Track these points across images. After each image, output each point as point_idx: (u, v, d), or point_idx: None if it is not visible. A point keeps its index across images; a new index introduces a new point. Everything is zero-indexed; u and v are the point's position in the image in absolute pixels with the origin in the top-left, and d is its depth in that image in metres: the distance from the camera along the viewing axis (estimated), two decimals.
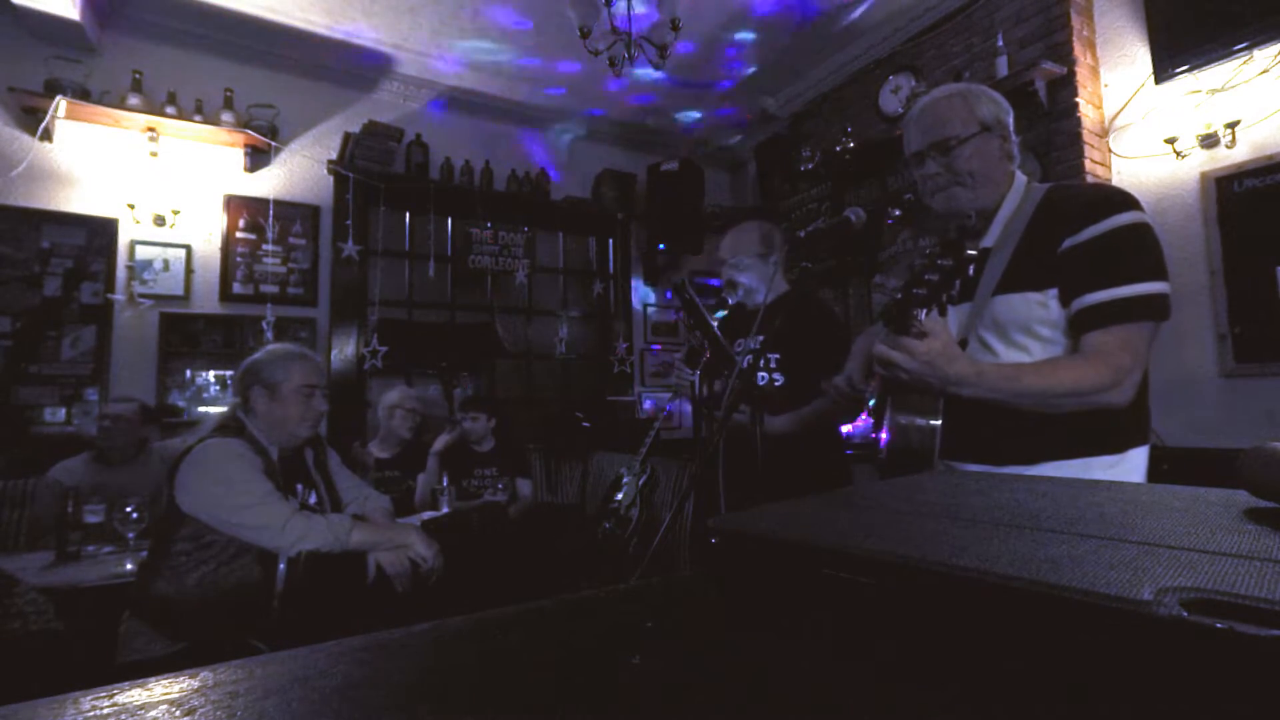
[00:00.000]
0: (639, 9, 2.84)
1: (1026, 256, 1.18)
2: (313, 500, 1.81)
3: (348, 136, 3.83)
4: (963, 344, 1.20)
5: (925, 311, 0.99)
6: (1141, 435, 1.19)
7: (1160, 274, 1.10)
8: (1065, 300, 1.14)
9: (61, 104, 3.06)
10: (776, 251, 2.08)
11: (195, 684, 0.34)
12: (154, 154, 3.34)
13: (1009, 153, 1.27)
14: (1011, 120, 1.28)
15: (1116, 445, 1.16)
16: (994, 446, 1.20)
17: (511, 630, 0.43)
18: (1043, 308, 1.16)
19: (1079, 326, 1.13)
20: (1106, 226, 1.11)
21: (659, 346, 5.01)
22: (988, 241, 1.24)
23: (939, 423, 1.13)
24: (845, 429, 2.17)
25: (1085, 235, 1.12)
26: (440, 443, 3.15)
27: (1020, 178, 1.28)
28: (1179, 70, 2.72)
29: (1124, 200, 1.14)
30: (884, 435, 1.19)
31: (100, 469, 2.69)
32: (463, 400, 3.45)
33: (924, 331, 1.01)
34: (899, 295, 1.02)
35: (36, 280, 3.14)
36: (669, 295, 4.95)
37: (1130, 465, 1.16)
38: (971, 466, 1.22)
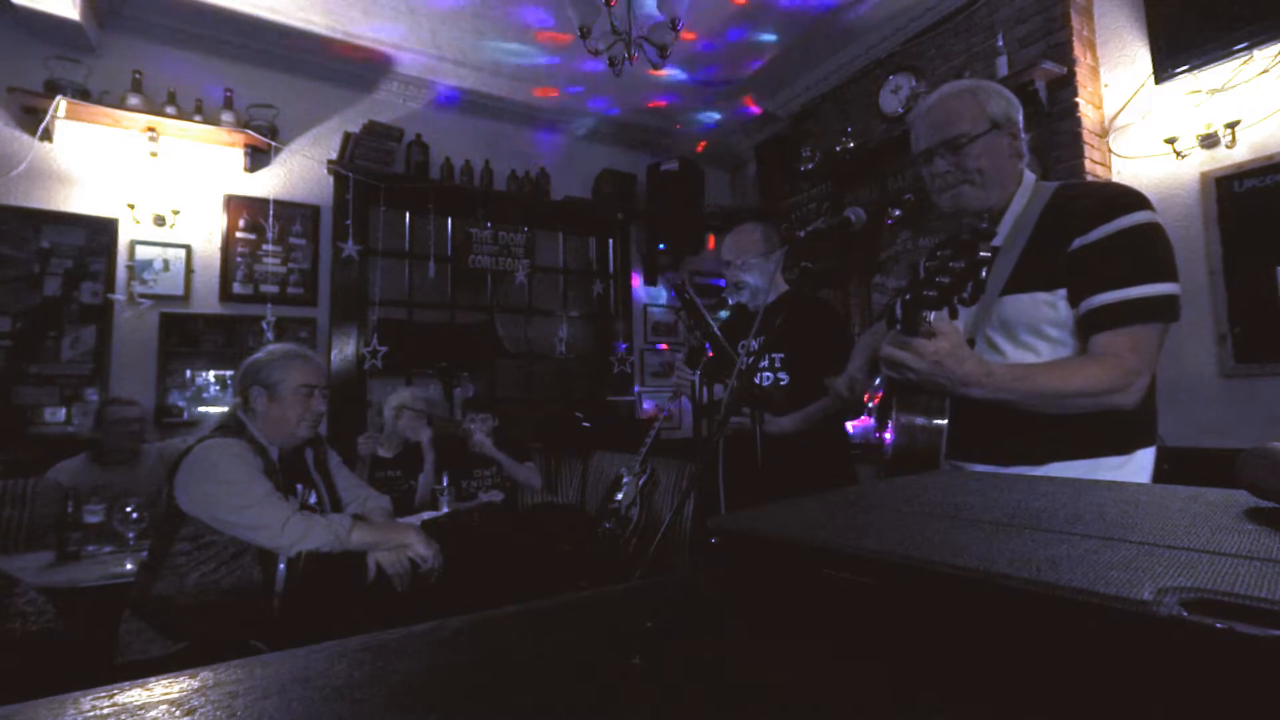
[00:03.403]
0: (639, 9, 2.84)
1: (1035, 256, 1.17)
2: (313, 500, 1.81)
3: (348, 136, 3.83)
4: (970, 344, 1.19)
5: (934, 314, 0.98)
6: (1149, 436, 1.18)
7: (1170, 275, 1.10)
8: (1074, 300, 1.13)
9: (61, 104, 3.05)
10: (778, 250, 2.09)
11: (195, 684, 0.34)
12: (154, 154, 3.33)
13: (1018, 150, 1.25)
14: (1021, 118, 1.26)
15: (1124, 446, 1.15)
16: (1001, 447, 1.19)
17: (511, 630, 0.43)
18: (1051, 308, 1.15)
19: (1088, 327, 1.12)
20: (1117, 226, 1.10)
21: (663, 346, 5.01)
22: (996, 241, 1.23)
23: (945, 423, 1.13)
24: (849, 427, 2.18)
25: (1095, 235, 1.11)
26: (427, 435, 3.14)
27: (1029, 176, 1.27)
28: (1179, 70, 2.72)
29: (1136, 200, 1.13)
30: (888, 436, 1.19)
31: (98, 469, 2.69)
32: (464, 403, 3.45)
33: (933, 331, 1.00)
34: (908, 297, 1.01)
35: (36, 280, 3.14)
36: (663, 285, 4.95)
37: (1137, 466, 1.16)
38: (978, 467, 1.21)
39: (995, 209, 1.25)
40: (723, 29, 3.75)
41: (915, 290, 0.98)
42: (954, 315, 1.22)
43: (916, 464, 1.13)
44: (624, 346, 4.78)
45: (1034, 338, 1.18)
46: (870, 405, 1.35)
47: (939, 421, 1.13)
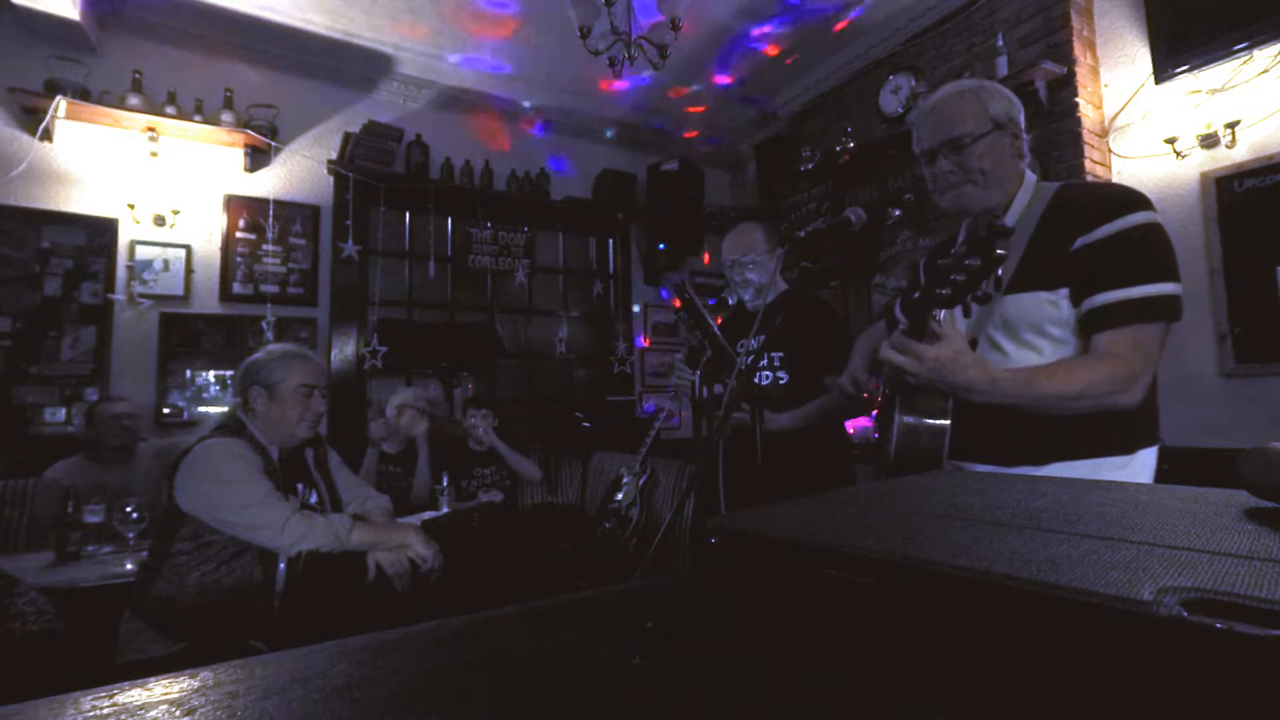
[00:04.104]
0: (639, 9, 2.84)
1: (1038, 256, 1.17)
2: (313, 500, 1.81)
3: (348, 136, 3.83)
4: (972, 344, 1.19)
5: (944, 312, 0.98)
6: (1150, 436, 1.19)
7: (1172, 275, 1.10)
8: (1076, 300, 1.14)
9: (61, 104, 3.05)
10: (779, 249, 2.10)
11: (195, 684, 0.34)
12: (154, 154, 3.33)
13: (1019, 151, 1.26)
14: (1022, 118, 1.27)
15: (1126, 446, 1.16)
16: (1004, 447, 1.20)
17: (511, 630, 0.43)
18: (1054, 307, 1.15)
19: (1090, 326, 1.12)
20: (1120, 226, 1.10)
21: (657, 358, 5.01)
22: None
23: (948, 423, 1.13)
24: (849, 427, 2.18)
25: (1098, 234, 1.11)
26: (421, 426, 3.14)
27: (1030, 176, 1.27)
28: (1179, 70, 2.72)
29: (1137, 200, 1.14)
30: (892, 436, 1.19)
31: (94, 469, 2.68)
32: (463, 402, 3.46)
33: (936, 334, 1.00)
34: (917, 295, 1.00)
35: (36, 280, 3.14)
36: (664, 294, 4.96)
37: (1139, 466, 1.16)
38: (981, 467, 1.21)
39: (998, 209, 1.26)
40: (724, 28, 3.75)
41: (927, 288, 0.97)
42: (967, 313, 1.22)
43: (919, 465, 1.13)
44: (624, 346, 4.78)
45: (1036, 337, 1.18)
46: (876, 398, 1.35)
47: (942, 422, 1.13)
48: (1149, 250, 1.11)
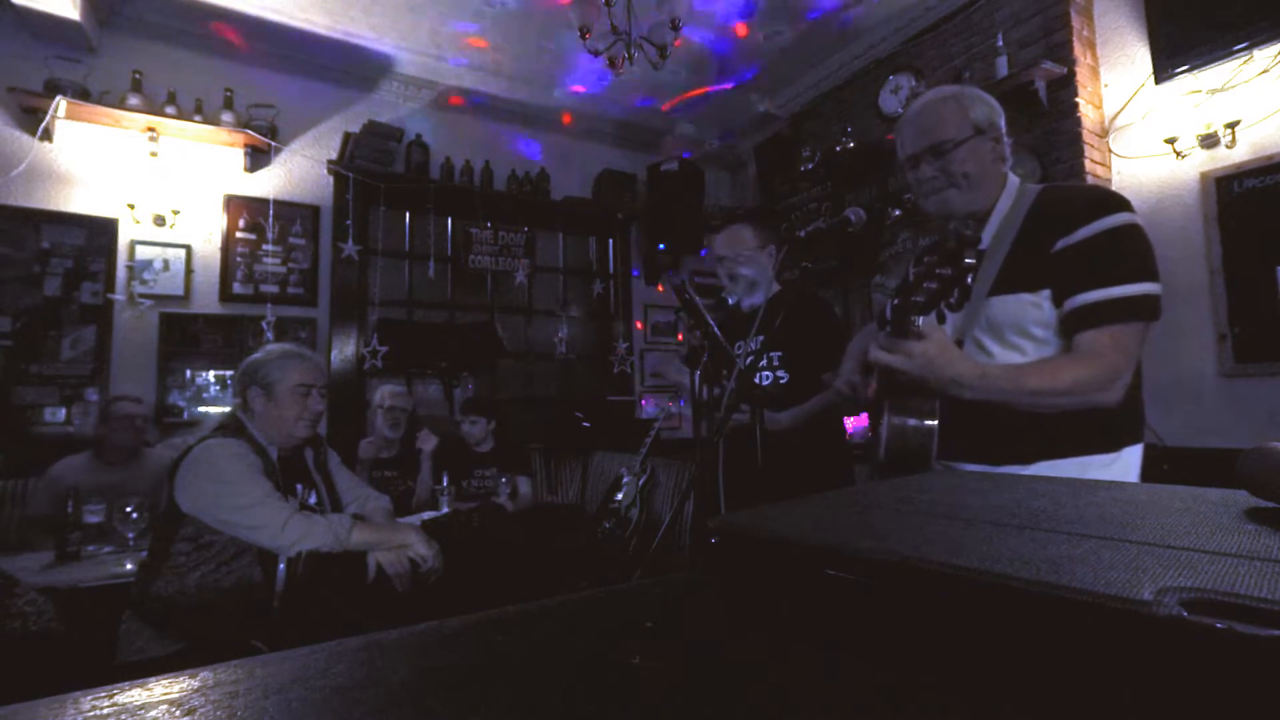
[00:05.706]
0: (639, 9, 2.84)
1: (1020, 258, 1.19)
2: (313, 500, 1.81)
3: (348, 136, 3.83)
4: (958, 346, 1.21)
5: (922, 318, 1.01)
6: (1135, 434, 1.21)
7: (1151, 275, 1.13)
8: (1058, 300, 1.16)
9: (61, 104, 3.05)
10: (773, 245, 2.10)
11: (195, 684, 0.34)
12: (154, 154, 3.33)
13: (1001, 154, 1.29)
14: (1004, 121, 1.30)
15: (1111, 444, 1.18)
16: (991, 447, 1.21)
17: (511, 630, 0.43)
18: (1036, 309, 1.17)
19: (1071, 326, 1.15)
20: (1099, 228, 1.13)
21: (658, 358, 5.02)
22: (982, 245, 1.25)
23: (935, 424, 1.14)
24: (849, 426, 2.18)
25: (1078, 236, 1.14)
26: (430, 443, 3.14)
27: (1013, 179, 1.30)
28: (1179, 70, 2.72)
29: (1116, 202, 1.16)
30: (881, 437, 1.20)
31: (100, 468, 2.68)
32: (462, 403, 3.45)
33: (921, 334, 1.02)
34: (896, 301, 1.03)
35: (36, 280, 3.14)
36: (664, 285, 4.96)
37: (1125, 463, 1.18)
38: (969, 466, 1.23)
39: (981, 212, 1.28)
40: (724, 28, 3.75)
41: (904, 296, 1.01)
42: (941, 320, 1.24)
43: (909, 465, 1.14)
44: (624, 346, 4.78)
45: (1020, 338, 1.20)
46: (868, 398, 1.37)
47: (930, 423, 1.14)
48: (1128, 251, 1.13)
